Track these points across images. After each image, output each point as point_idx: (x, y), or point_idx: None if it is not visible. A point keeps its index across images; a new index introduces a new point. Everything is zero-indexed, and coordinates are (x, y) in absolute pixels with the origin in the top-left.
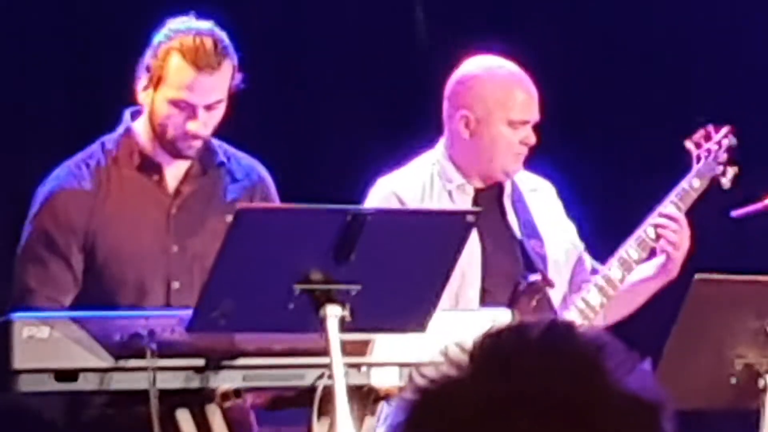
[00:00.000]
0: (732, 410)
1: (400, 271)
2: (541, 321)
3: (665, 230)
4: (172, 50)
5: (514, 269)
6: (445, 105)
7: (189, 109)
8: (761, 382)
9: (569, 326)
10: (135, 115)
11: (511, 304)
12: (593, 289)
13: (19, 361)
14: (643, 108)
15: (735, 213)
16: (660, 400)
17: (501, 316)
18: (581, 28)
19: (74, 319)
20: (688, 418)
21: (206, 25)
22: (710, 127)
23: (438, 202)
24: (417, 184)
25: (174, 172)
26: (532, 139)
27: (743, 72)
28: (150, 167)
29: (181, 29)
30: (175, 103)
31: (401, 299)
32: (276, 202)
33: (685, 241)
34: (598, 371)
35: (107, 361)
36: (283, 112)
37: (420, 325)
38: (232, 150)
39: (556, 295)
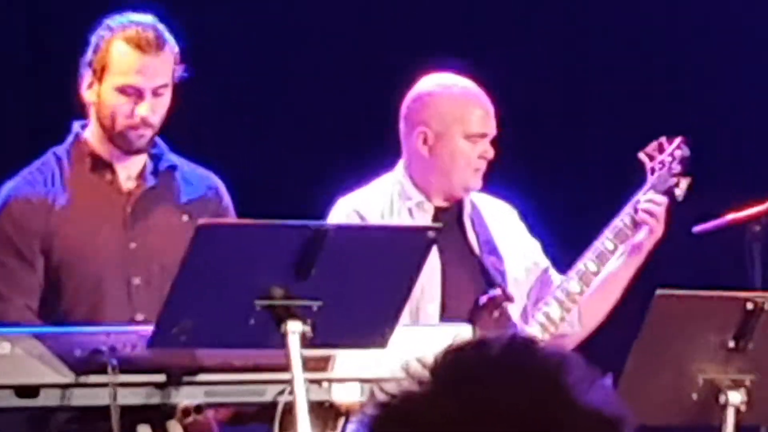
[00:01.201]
0: (693, 426)
1: (362, 286)
2: (501, 336)
3: (649, 204)
4: (114, 40)
5: (473, 285)
6: (402, 124)
7: (136, 95)
8: (722, 398)
9: (530, 342)
10: (84, 128)
11: (471, 319)
12: (553, 302)
13: None
14: (598, 122)
15: (696, 229)
16: (621, 416)
17: (462, 332)
18: (539, 44)
19: (35, 335)
20: None
21: (146, 17)
22: (663, 139)
23: (399, 219)
24: (378, 202)
25: (126, 171)
26: (490, 153)
27: (701, 84)
28: (102, 167)
29: (122, 22)
30: (123, 90)
31: (362, 315)
32: (231, 211)
33: (662, 224)
34: (559, 386)
35: (68, 377)
36: (245, 129)
37: (381, 341)
38: (183, 160)
39: (515, 311)
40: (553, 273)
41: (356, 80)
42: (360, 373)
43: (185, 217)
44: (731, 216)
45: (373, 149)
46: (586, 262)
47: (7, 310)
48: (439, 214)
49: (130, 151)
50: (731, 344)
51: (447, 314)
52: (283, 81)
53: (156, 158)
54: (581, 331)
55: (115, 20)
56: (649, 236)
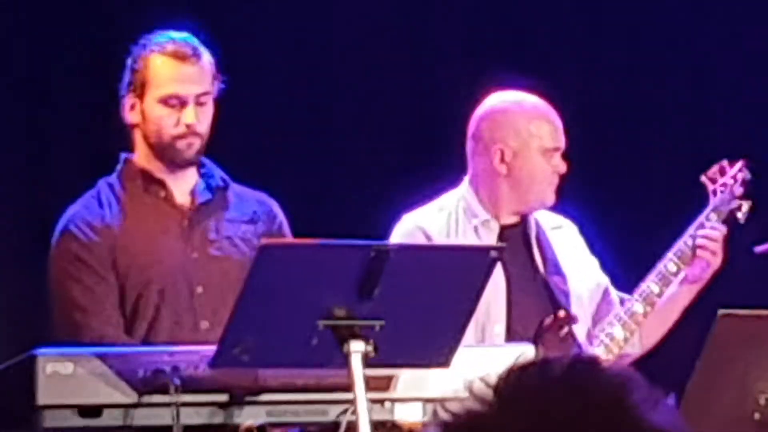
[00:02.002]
0: None
1: (424, 306)
2: (564, 357)
3: (707, 239)
4: (152, 55)
5: (538, 306)
6: (471, 142)
7: (180, 103)
8: None
9: (593, 362)
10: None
11: (536, 340)
12: (617, 323)
13: (42, 397)
14: (660, 144)
15: (758, 249)
16: None
17: (525, 352)
18: (603, 62)
19: (98, 355)
20: None
21: (180, 33)
22: (725, 162)
23: (464, 237)
24: (442, 219)
25: (179, 188)
26: (563, 167)
27: (761, 106)
28: (154, 184)
29: (157, 39)
30: (166, 101)
31: (425, 335)
32: (285, 229)
33: (721, 252)
34: (622, 406)
35: (131, 397)
36: (308, 148)
37: (444, 361)
38: (233, 182)
39: (580, 331)
40: (612, 291)
41: (418, 97)
42: (422, 392)
43: (243, 227)
44: None
45: (435, 166)
46: (650, 284)
47: (100, 324)
48: (504, 232)
49: (180, 163)
50: None
51: (512, 335)
52: (343, 98)
53: (207, 176)
54: (640, 351)
55: (149, 38)
56: (706, 268)
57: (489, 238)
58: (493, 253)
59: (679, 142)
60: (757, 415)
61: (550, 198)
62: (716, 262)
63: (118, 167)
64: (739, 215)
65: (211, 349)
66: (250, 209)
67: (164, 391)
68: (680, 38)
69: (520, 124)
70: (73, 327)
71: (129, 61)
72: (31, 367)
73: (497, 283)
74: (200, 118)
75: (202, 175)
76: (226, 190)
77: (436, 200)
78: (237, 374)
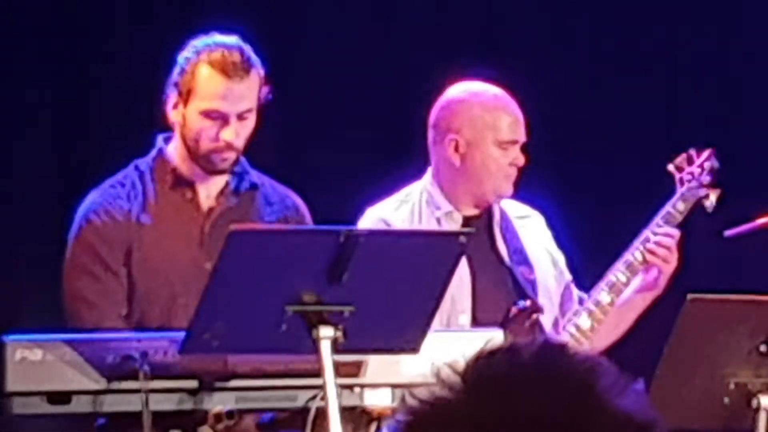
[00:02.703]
0: (725, 431)
1: (393, 292)
2: (532, 342)
3: (659, 246)
4: (200, 63)
5: (504, 296)
6: (431, 132)
7: (221, 119)
8: (754, 402)
9: (561, 347)
10: (167, 141)
11: (502, 329)
12: (584, 313)
13: (11, 384)
14: (626, 133)
15: (728, 233)
16: (652, 420)
17: (494, 337)
18: (567, 53)
19: (67, 342)
20: None
21: (231, 39)
22: (692, 151)
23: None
24: (405, 211)
25: (207, 190)
26: (521, 160)
27: (727, 94)
28: (183, 185)
29: (208, 43)
30: (208, 114)
31: (394, 320)
32: None
33: (675, 256)
34: (590, 391)
35: (100, 383)
36: (270, 140)
37: (413, 346)
38: (267, 178)
39: (546, 321)
40: (573, 288)
41: (383, 89)
42: (392, 378)
43: None
44: (762, 220)
45: (401, 158)
46: (616, 273)
47: (102, 318)
48: (467, 223)
49: (213, 172)
50: (763, 348)
51: (477, 325)
52: (306, 89)
53: (238, 177)
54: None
55: (201, 42)
56: (658, 275)
57: (452, 228)
58: (462, 239)
59: (646, 131)
60: (726, 399)
61: (507, 190)
62: (668, 268)
63: (152, 154)
64: (707, 204)
65: (180, 335)
66: (275, 214)
67: (133, 377)
68: (646, 27)
69: (476, 114)
70: (76, 318)
71: (179, 60)
72: None
73: (462, 273)
74: (240, 133)
75: (233, 175)
76: (255, 193)
77: (399, 193)
78: (206, 360)
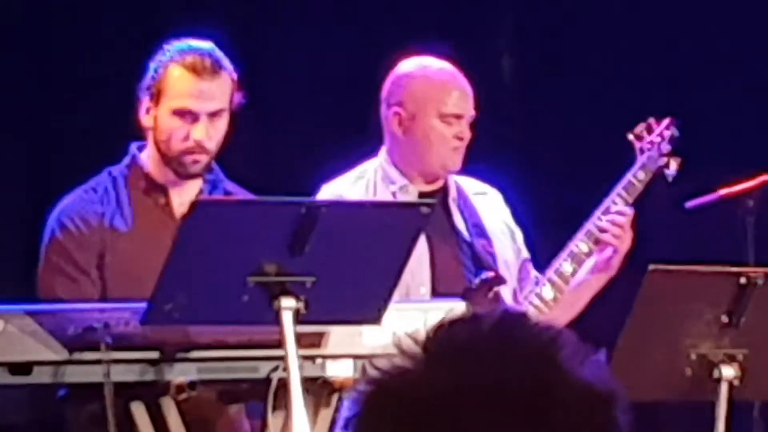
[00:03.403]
0: (687, 401)
1: (355, 263)
2: (493, 312)
3: (612, 225)
4: (172, 64)
5: (463, 269)
6: (382, 107)
7: (192, 118)
8: (715, 373)
9: (522, 317)
10: (140, 149)
11: (464, 299)
12: (546, 284)
13: None
14: (587, 103)
15: (689, 204)
16: (613, 390)
17: (456, 308)
18: (526, 26)
19: (28, 312)
20: (642, 409)
21: (204, 44)
22: (651, 120)
23: None
24: (360, 187)
25: (180, 197)
26: (466, 134)
27: (687, 65)
28: (156, 191)
29: (181, 47)
30: (179, 113)
31: (356, 291)
32: None
33: (629, 235)
34: (551, 361)
35: (61, 354)
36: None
37: (375, 317)
38: (238, 188)
39: (506, 294)
40: (530, 266)
41: (342, 66)
42: (354, 349)
43: None
44: (724, 191)
45: (359, 135)
46: (578, 243)
47: None
48: (423, 198)
49: (185, 175)
50: (724, 319)
51: (437, 298)
52: (267, 65)
53: (211, 184)
54: None
55: (173, 46)
56: (614, 255)
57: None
58: (424, 210)
59: (606, 101)
60: (688, 371)
61: (452, 163)
62: (622, 247)
63: (126, 161)
64: (668, 173)
65: (141, 306)
66: None
67: (95, 348)
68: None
69: (418, 87)
70: None
71: (151, 64)
72: None
73: (420, 246)
74: (211, 134)
75: (206, 182)
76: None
77: (354, 169)
78: (168, 331)
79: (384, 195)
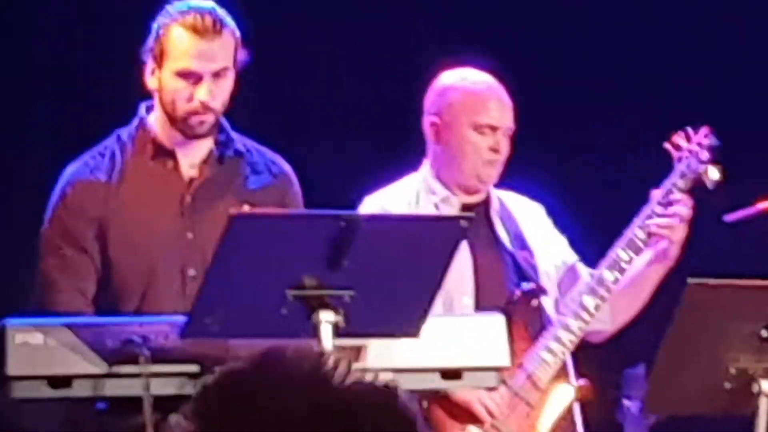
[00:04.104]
0: (726, 415)
1: (394, 276)
2: (251, 356)
3: (657, 227)
4: (173, 25)
5: (506, 279)
6: (423, 118)
7: (196, 78)
8: (755, 387)
9: (277, 354)
10: (149, 110)
11: (505, 312)
12: (586, 291)
13: (12, 368)
14: (625, 114)
15: (728, 218)
16: (388, 389)
17: (494, 321)
18: (565, 39)
19: (68, 326)
20: (682, 423)
21: (206, 3)
22: (689, 129)
23: None
24: (404, 199)
25: (189, 159)
26: (503, 146)
27: (727, 77)
28: (164, 155)
29: (181, 8)
30: (182, 74)
31: (395, 305)
32: (299, 198)
33: (683, 227)
34: (321, 386)
35: (101, 368)
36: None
37: (413, 331)
38: (252, 143)
39: (548, 304)
40: (582, 268)
41: (388, 79)
42: (392, 362)
43: (246, 207)
44: (763, 204)
45: (405, 147)
46: (618, 251)
47: (59, 298)
48: (465, 209)
49: (192, 136)
50: (764, 333)
51: (480, 308)
52: (311, 77)
53: (222, 145)
54: (612, 328)
55: (174, 6)
56: (670, 245)
57: (450, 214)
58: (463, 223)
59: (645, 112)
60: (727, 385)
61: (487, 175)
62: (675, 236)
63: (134, 123)
64: (707, 180)
65: (181, 319)
66: (261, 182)
67: (134, 361)
68: (640, 7)
69: (455, 98)
70: (40, 299)
71: (153, 26)
72: (0, 337)
73: (463, 256)
74: (215, 94)
75: (218, 143)
76: (240, 160)
77: (398, 181)
78: (207, 345)
79: (427, 206)
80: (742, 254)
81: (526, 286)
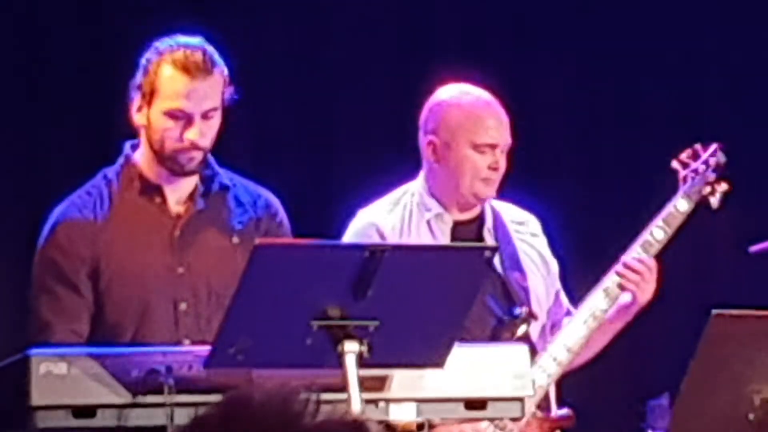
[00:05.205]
0: None
1: (418, 306)
2: (218, 403)
3: (627, 270)
4: (162, 63)
5: (492, 302)
6: (420, 133)
7: (185, 119)
8: None
9: (243, 397)
10: (134, 148)
11: (493, 337)
12: (578, 321)
13: (36, 398)
14: (631, 131)
15: (752, 249)
16: (357, 420)
17: (518, 351)
18: (567, 55)
19: (92, 356)
20: None
21: (194, 39)
22: (698, 146)
23: (417, 232)
24: (396, 215)
25: (176, 194)
26: (501, 164)
27: (738, 92)
28: (151, 190)
29: (170, 44)
30: (172, 114)
31: (419, 335)
32: (286, 228)
33: (651, 286)
34: (291, 425)
35: (125, 398)
36: (267, 140)
37: (438, 361)
38: (239, 177)
39: (534, 330)
40: (563, 296)
41: (380, 90)
42: (417, 393)
43: (236, 239)
44: None
45: (397, 160)
46: (612, 277)
47: (52, 334)
48: (458, 226)
49: (181, 173)
50: None
51: (468, 333)
52: (302, 90)
53: (207, 180)
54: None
55: (163, 43)
56: (632, 304)
57: (442, 231)
58: (487, 254)
59: (655, 128)
60: (751, 416)
61: (484, 193)
62: (642, 296)
63: (120, 161)
64: (713, 200)
65: (205, 349)
66: (247, 215)
67: (158, 391)
68: (647, 24)
69: (453, 116)
70: (35, 341)
71: (142, 62)
72: (24, 367)
73: None
74: (205, 133)
75: (203, 178)
76: (226, 194)
77: (390, 194)
78: (231, 374)
79: (420, 222)
80: (767, 285)
81: (519, 310)
